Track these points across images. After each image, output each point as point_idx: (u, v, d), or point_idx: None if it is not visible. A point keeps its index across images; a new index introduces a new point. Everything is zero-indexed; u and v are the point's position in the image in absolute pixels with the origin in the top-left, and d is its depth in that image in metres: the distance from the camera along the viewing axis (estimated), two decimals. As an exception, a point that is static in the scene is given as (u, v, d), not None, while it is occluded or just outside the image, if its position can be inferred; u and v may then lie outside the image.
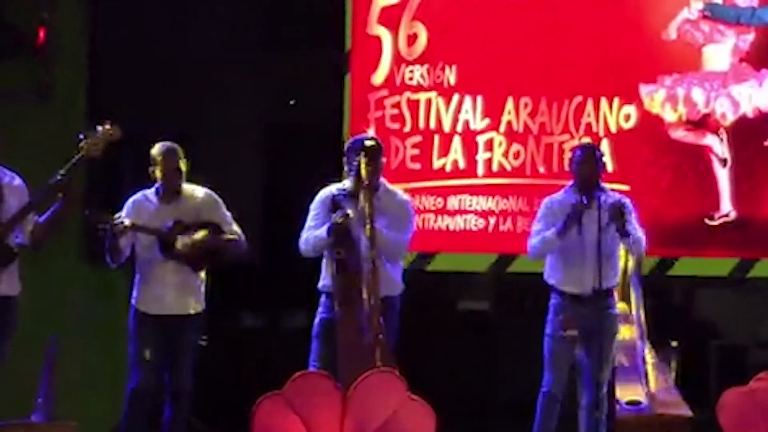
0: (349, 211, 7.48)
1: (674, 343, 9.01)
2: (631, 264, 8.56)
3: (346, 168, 7.67)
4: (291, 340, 8.68)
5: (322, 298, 7.67)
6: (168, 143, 7.78)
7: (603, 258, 7.80)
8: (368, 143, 7.75)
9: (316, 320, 7.67)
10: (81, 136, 7.31)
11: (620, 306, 8.38)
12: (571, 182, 8.02)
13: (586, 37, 9.44)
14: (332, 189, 7.67)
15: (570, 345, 7.98)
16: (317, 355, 7.58)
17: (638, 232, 7.98)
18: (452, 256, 9.50)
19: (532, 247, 8.04)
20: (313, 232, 7.66)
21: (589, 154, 8.01)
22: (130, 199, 7.82)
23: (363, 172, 7.50)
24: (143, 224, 7.71)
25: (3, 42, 9.02)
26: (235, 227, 7.84)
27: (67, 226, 7.95)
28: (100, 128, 7.32)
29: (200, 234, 7.71)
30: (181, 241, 7.68)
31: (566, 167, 8.48)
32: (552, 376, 7.98)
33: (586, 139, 9.18)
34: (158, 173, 7.77)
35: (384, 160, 7.84)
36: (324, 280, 7.65)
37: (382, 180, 7.78)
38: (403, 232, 7.74)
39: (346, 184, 7.64)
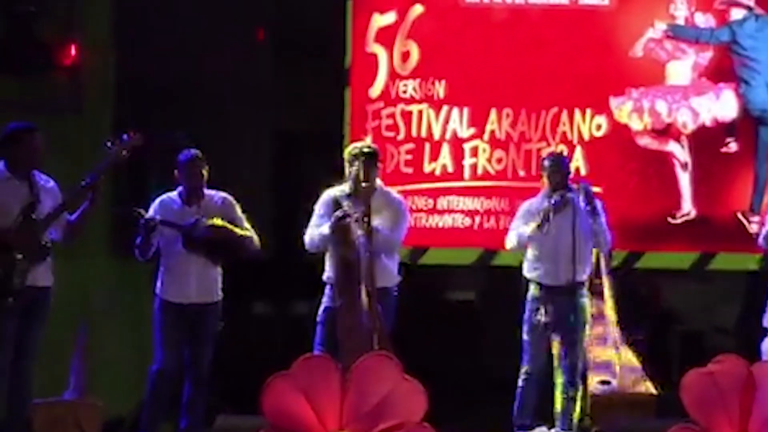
0: (348, 210, 7.49)
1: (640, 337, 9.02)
2: (602, 261, 8.59)
3: (346, 171, 7.68)
4: (297, 326, 8.68)
5: (326, 289, 7.68)
6: (192, 150, 7.80)
7: (576, 254, 7.85)
8: (366, 149, 7.78)
9: (321, 308, 7.68)
10: (108, 143, 7.33)
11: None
12: (545, 188, 8.09)
13: (561, 55, 9.45)
14: (334, 191, 7.69)
15: (544, 330, 8.02)
16: (321, 339, 7.60)
17: (606, 231, 8.03)
18: (442, 250, 9.50)
19: (511, 241, 8.10)
20: (316, 230, 7.67)
21: (557, 162, 8.09)
22: (157, 200, 7.84)
23: (361, 174, 7.52)
24: (169, 220, 7.73)
25: (37, 58, 9.01)
26: (249, 228, 7.86)
27: (96, 223, 7.96)
28: (125, 136, 7.34)
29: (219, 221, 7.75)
30: (203, 223, 7.71)
31: (541, 173, 8.52)
32: (530, 360, 8.02)
33: (562, 147, 9.18)
34: (182, 178, 7.80)
35: (380, 164, 7.88)
36: (328, 273, 7.66)
37: (379, 182, 7.80)
38: (397, 229, 7.76)
39: (346, 186, 7.65)
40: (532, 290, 8.08)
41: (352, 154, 7.69)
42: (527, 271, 8.12)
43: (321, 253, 7.70)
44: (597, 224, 7.97)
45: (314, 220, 7.73)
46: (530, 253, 8.09)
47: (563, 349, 8.05)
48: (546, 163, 8.13)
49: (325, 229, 7.57)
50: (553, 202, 7.92)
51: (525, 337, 8.06)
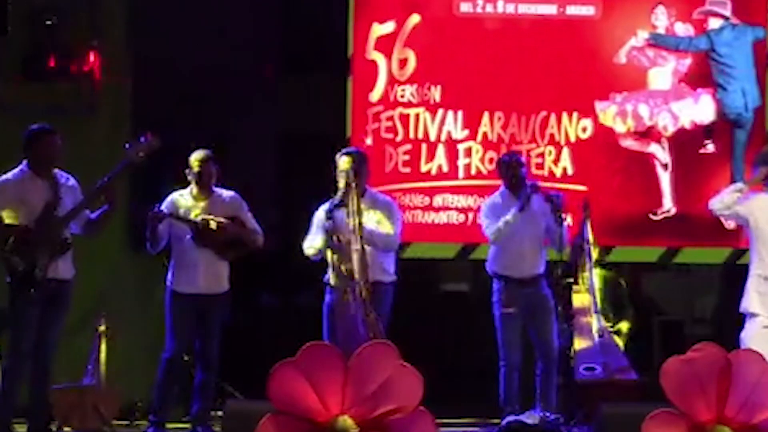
0: (340, 216, 7.47)
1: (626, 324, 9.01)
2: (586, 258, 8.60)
3: (338, 177, 7.65)
4: (302, 317, 8.66)
5: (327, 288, 7.67)
6: (203, 150, 7.79)
7: (537, 248, 7.87)
8: (352, 151, 7.78)
9: (324, 307, 7.67)
10: (126, 145, 7.32)
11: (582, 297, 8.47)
12: (502, 185, 8.10)
13: (549, 62, 9.43)
14: (327, 204, 7.64)
15: (514, 320, 8.00)
16: (328, 335, 7.58)
17: (564, 235, 8.00)
18: (437, 245, 9.48)
19: (496, 231, 8.03)
20: (312, 241, 7.69)
21: (512, 161, 8.09)
22: (169, 197, 7.84)
23: (348, 175, 7.50)
24: (179, 216, 7.72)
25: (58, 65, 8.99)
26: (255, 224, 7.85)
27: (114, 220, 7.95)
28: (142, 139, 7.33)
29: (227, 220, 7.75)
30: (214, 222, 7.70)
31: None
32: (506, 350, 8.02)
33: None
34: (193, 176, 7.78)
35: (368, 169, 7.86)
36: (328, 275, 7.65)
37: (369, 188, 7.80)
38: (392, 227, 7.75)
39: (338, 195, 7.59)
40: (497, 284, 8.08)
41: (340, 157, 7.68)
42: (492, 265, 8.11)
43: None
44: (560, 229, 7.95)
45: (311, 231, 7.75)
46: (494, 248, 8.10)
47: (535, 339, 8.05)
48: (502, 161, 8.20)
49: (318, 240, 7.59)
50: (528, 191, 7.92)
51: (498, 329, 8.06)
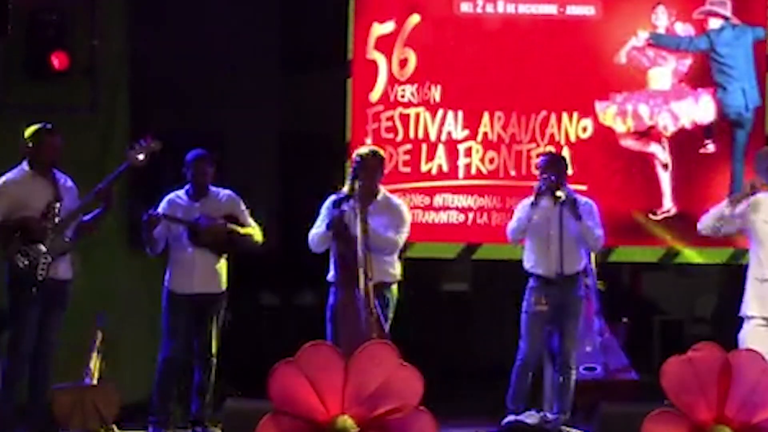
0: (346, 209, 7.48)
1: (624, 320, 9.02)
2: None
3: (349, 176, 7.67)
4: (302, 316, 8.68)
5: (331, 288, 7.67)
6: (199, 150, 7.80)
7: (565, 247, 7.82)
8: (364, 152, 7.78)
9: (327, 306, 7.66)
10: (127, 148, 7.34)
11: None
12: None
13: (549, 61, 9.43)
14: (335, 195, 7.66)
15: (541, 320, 7.98)
16: (332, 335, 7.58)
17: (597, 230, 7.99)
18: (437, 244, 9.48)
19: (511, 230, 8.06)
20: (317, 230, 7.68)
21: (552, 160, 8.10)
22: (165, 198, 7.85)
23: (358, 176, 7.50)
24: (174, 215, 7.72)
25: (57, 63, 8.98)
26: (252, 222, 7.86)
27: (115, 219, 7.96)
28: (143, 141, 7.34)
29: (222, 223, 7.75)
30: (211, 228, 7.71)
31: (534, 170, 8.50)
32: (527, 347, 7.98)
33: (550, 148, 9.18)
34: (189, 176, 7.79)
35: (383, 170, 7.85)
36: (331, 272, 7.64)
37: (382, 188, 7.80)
38: (398, 231, 7.75)
39: (346, 188, 7.62)
40: (531, 282, 8.06)
41: (354, 158, 7.69)
42: (525, 263, 8.11)
43: (325, 250, 7.70)
44: (583, 227, 7.94)
45: (317, 222, 7.74)
46: (527, 246, 8.09)
47: (558, 338, 8.02)
48: (542, 159, 8.17)
49: (324, 228, 7.58)
50: (536, 188, 7.90)
51: (522, 326, 8.02)
